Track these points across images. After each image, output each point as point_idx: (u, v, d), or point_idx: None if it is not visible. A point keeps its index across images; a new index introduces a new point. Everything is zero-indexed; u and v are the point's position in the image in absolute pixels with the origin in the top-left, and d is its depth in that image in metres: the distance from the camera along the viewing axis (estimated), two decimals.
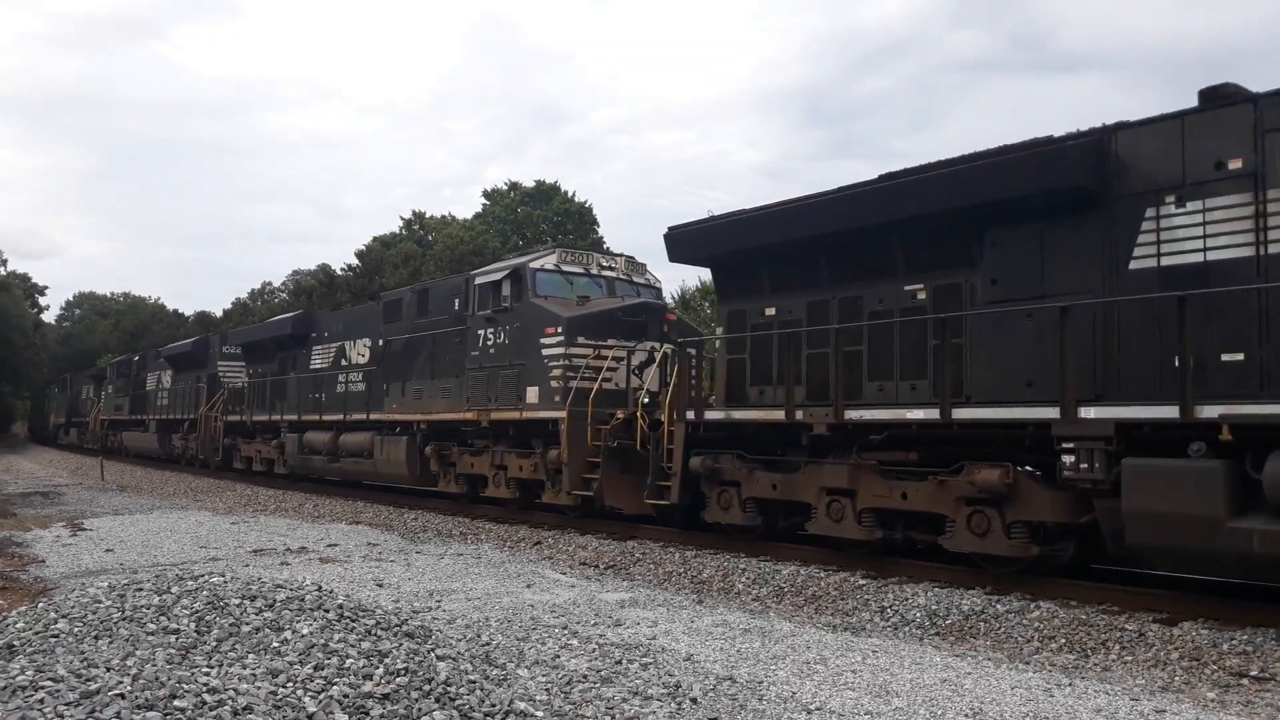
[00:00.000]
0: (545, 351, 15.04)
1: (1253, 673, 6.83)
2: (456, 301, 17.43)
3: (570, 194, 58.59)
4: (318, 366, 22.81)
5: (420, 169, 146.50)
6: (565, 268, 16.11)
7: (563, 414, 14.40)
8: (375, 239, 56.81)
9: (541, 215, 56.82)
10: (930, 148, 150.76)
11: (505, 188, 59.84)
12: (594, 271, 16.39)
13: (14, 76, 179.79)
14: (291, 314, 26.23)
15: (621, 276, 16.66)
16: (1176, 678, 6.89)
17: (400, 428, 18.79)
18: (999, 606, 8.52)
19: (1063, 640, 7.74)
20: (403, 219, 61.34)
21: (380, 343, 19.90)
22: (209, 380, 29.55)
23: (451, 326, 17.31)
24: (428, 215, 61.45)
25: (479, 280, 16.77)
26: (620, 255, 17.13)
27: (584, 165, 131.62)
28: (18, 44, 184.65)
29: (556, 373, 14.76)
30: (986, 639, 8.03)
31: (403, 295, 19.67)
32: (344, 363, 21.54)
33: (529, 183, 59.14)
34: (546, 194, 58.07)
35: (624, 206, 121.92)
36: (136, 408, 38.42)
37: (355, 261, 53.26)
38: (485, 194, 60.98)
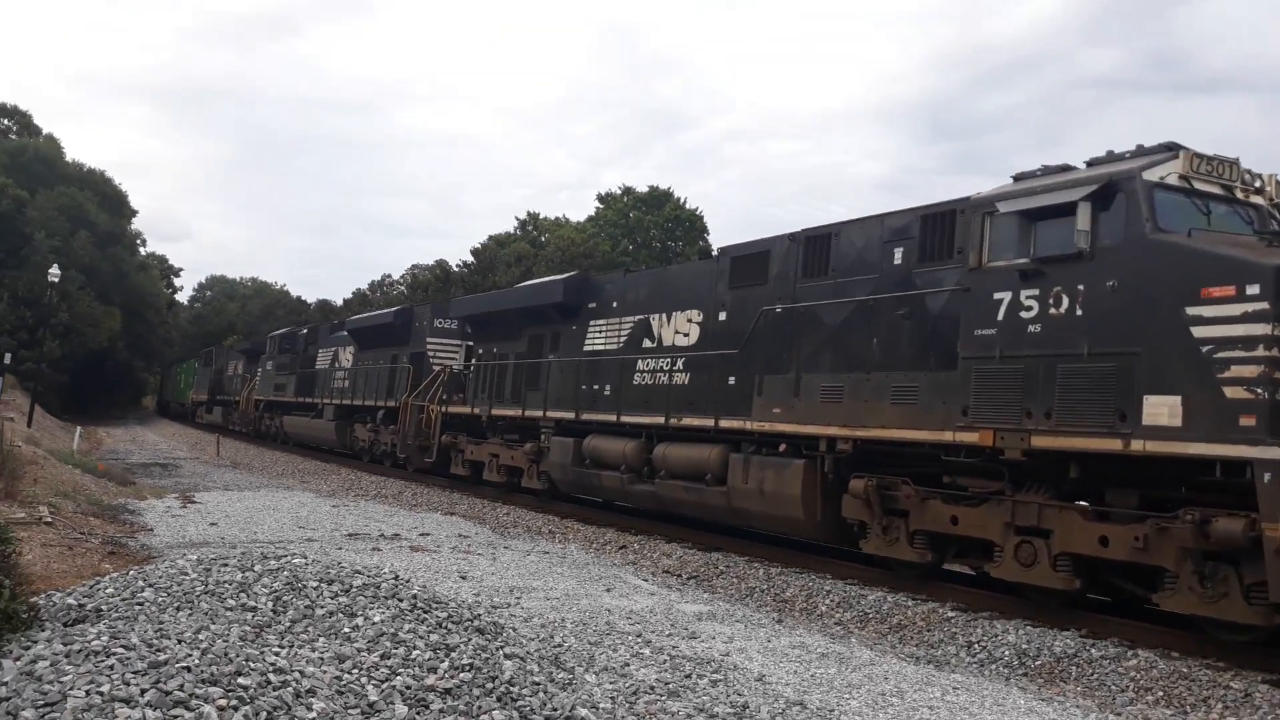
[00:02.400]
0: (1201, 330, 8.17)
1: None
2: (899, 251, 11.06)
3: (682, 200, 58.68)
4: (600, 348, 16.58)
5: (539, 170, 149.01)
6: (1198, 183, 9.32)
7: (1256, 453, 7.67)
8: (491, 237, 57.91)
9: (652, 220, 57.03)
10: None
11: (619, 192, 60.27)
12: (1239, 195, 9.57)
13: (166, 70, 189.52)
14: (562, 276, 19.92)
15: (1272, 204, 9.84)
16: None
17: (784, 445, 11.98)
18: (1093, 651, 8.10)
19: (1160, 693, 7.30)
20: (518, 219, 62.44)
21: (721, 316, 13.75)
22: (414, 359, 24.20)
23: (893, 290, 10.96)
24: (542, 216, 62.37)
25: (1002, 208, 9.73)
26: (1264, 175, 9.84)
27: (699, 172, 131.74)
28: (173, 39, 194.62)
29: (1242, 369, 7.84)
30: (1077, 684, 7.65)
31: (770, 246, 13.08)
32: (648, 343, 15.33)
33: (643, 188, 59.48)
34: (659, 200, 58.27)
35: (738, 215, 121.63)
36: (304, 388, 32.90)
37: (470, 259, 54.38)
38: (599, 197, 61.60)
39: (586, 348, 16.88)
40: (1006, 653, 8.30)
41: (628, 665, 6.96)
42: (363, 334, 28.36)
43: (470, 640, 5.95)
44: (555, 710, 5.22)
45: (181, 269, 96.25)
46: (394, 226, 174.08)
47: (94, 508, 14.08)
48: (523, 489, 18.59)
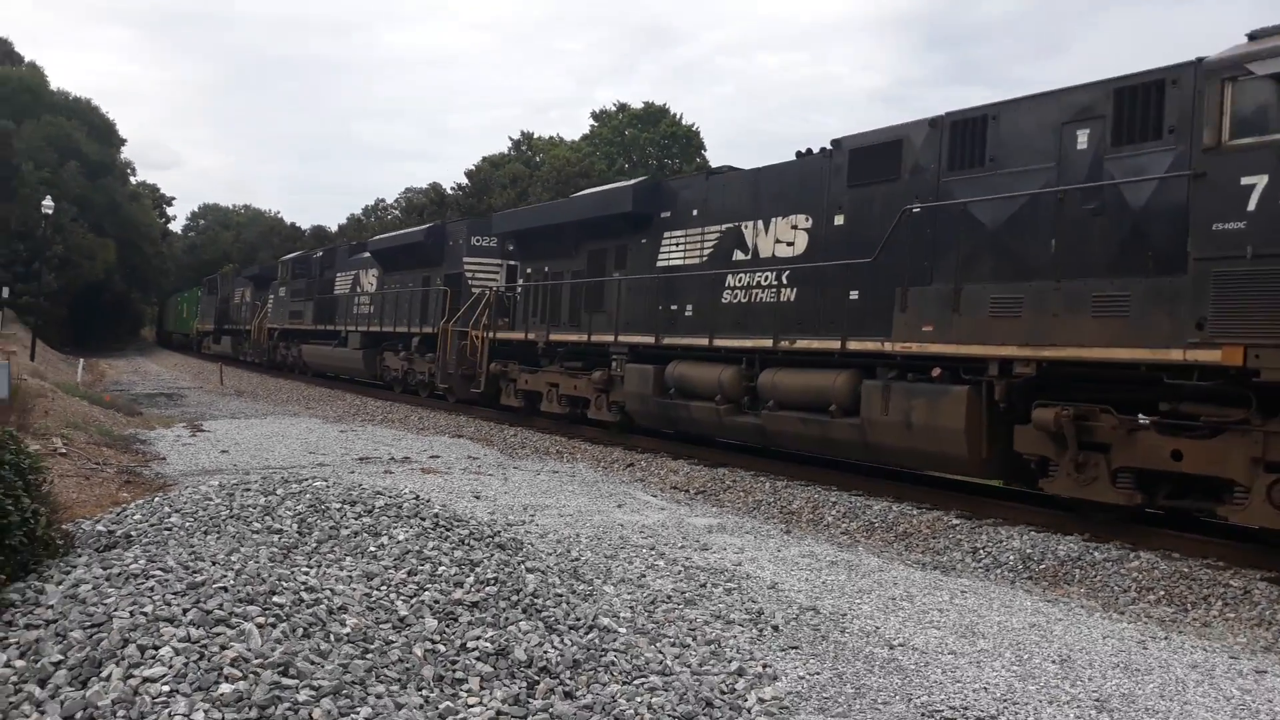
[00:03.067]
0: None
1: None
2: (1084, 135, 9.30)
3: (678, 116, 57.93)
4: (679, 262, 14.75)
5: (529, 89, 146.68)
6: None
7: None
8: (484, 159, 57.31)
9: (649, 138, 56.39)
10: (1055, 74, 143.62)
11: (614, 109, 59.46)
12: None
13: None
14: (631, 182, 17.62)
15: None
16: None
17: (938, 369, 10.22)
18: (1096, 554, 8.30)
19: (1161, 592, 7.51)
20: (511, 139, 61.74)
21: (838, 220, 11.94)
22: (449, 281, 22.07)
23: (1078, 181, 9.25)
24: (535, 136, 61.61)
25: (1259, 71, 7.75)
26: None
27: (692, 87, 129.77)
28: None
29: None
30: (1081, 586, 7.86)
31: (905, 134, 11.23)
32: (740, 255, 13.47)
33: (637, 104, 58.67)
34: (655, 116, 57.52)
35: (733, 129, 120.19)
36: (323, 315, 30.86)
37: (465, 181, 53.90)
38: (593, 115, 60.75)
39: (661, 263, 15.04)
40: (1011, 557, 8.51)
41: (644, 576, 7.15)
42: (388, 255, 26.11)
43: (493, 556, 6.10)
44: (579, 620, 5.39)
45: (174, 198, 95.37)
46: (384, 150, 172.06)
47: (105, 438, 14.22)
48: (588, 421, 16.71)
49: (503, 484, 11.74)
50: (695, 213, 14.55)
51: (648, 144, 56.15)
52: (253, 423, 18.45)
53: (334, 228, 70.31)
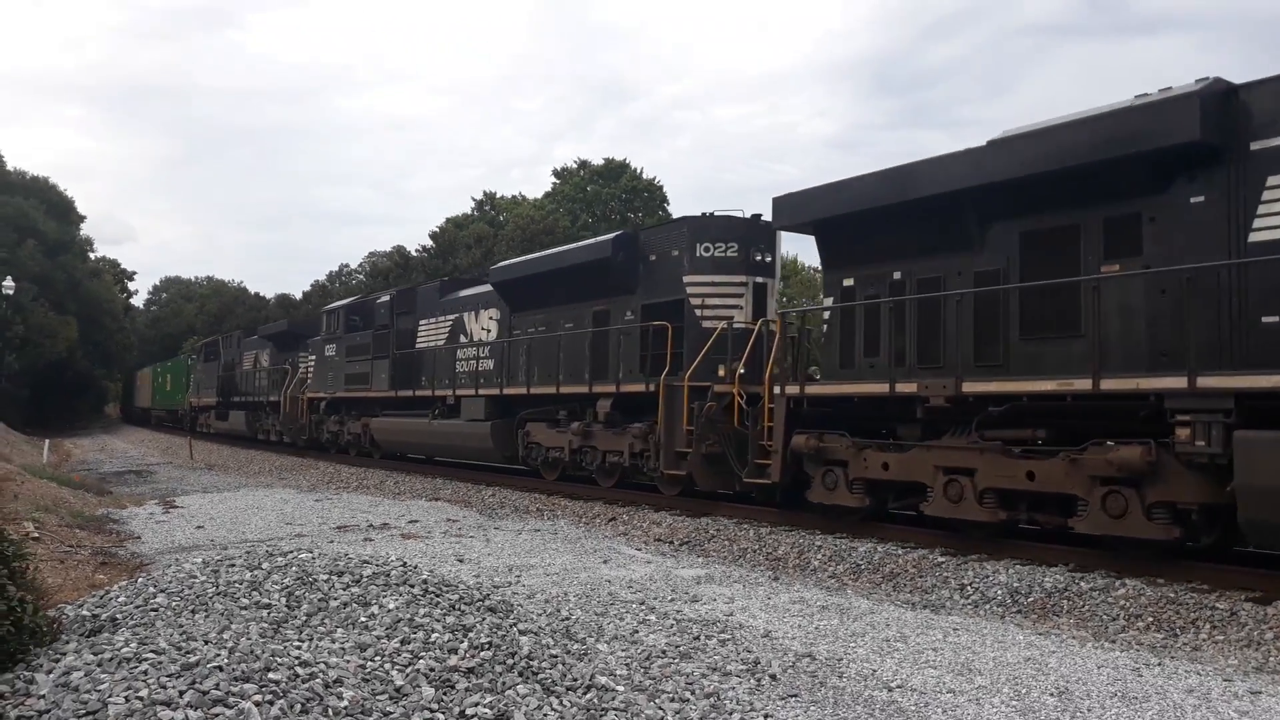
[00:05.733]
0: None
1: None
2: None
3: (639, 170, 58.58)
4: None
5: (489, 149, 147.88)
6: None
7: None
8: (448, 220, 57.54)
9: (610, 193, 56.93)
10: (1003, 115, 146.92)
11: (575, 166, 60.05)
12: None
13: (99, 69, 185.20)
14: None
15: None
16: (1271, 658, 6.69)
17: None
18: (1083, 584, 8.36)
19: (1150, 619, 7.56)
20: (474, 200, 62.08)
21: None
22: (654, 313, 15.17)
23: None
24: (498, 195, 62.00)
25: None
26: None
27: (651, 142, 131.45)
28: (104, 36, 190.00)
29: None
30: (1070, 617, 7.90)
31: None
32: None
33: (598, 160, 59.29)
34: (615, 171, 58.13)
35: (693, 182, 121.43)
36: (405, 377, 22.68)
37: (429, 243, 54.04)
38: (555, 173, 61.35)
39: None
40: (999, 592, 8.54)
41: (636, 632, 7.10)
42: (523, 286, 18.66)
43: (484, 620, 6.05)
44: (576, 680, 5.35)
45: (135, 272, 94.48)
46: (344, 215, 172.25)
47: (77, 520, 13.97)
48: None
49: (485, 545, 11.64)
50: None
51: (610, 199, 56.68)
52: (226, 496, 18.20)
53: (298, 295, 70.03)
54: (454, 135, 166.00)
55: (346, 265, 70.78)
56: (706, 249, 14.69)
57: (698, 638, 6.93)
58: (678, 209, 61.59)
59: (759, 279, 14.62)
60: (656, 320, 14.78)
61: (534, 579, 9.39)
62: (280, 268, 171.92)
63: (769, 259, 14.74)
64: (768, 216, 13.63)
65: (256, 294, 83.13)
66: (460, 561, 10.39)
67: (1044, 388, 9.12)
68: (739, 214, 14.82)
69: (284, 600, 5.96)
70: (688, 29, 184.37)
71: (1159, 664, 6.40)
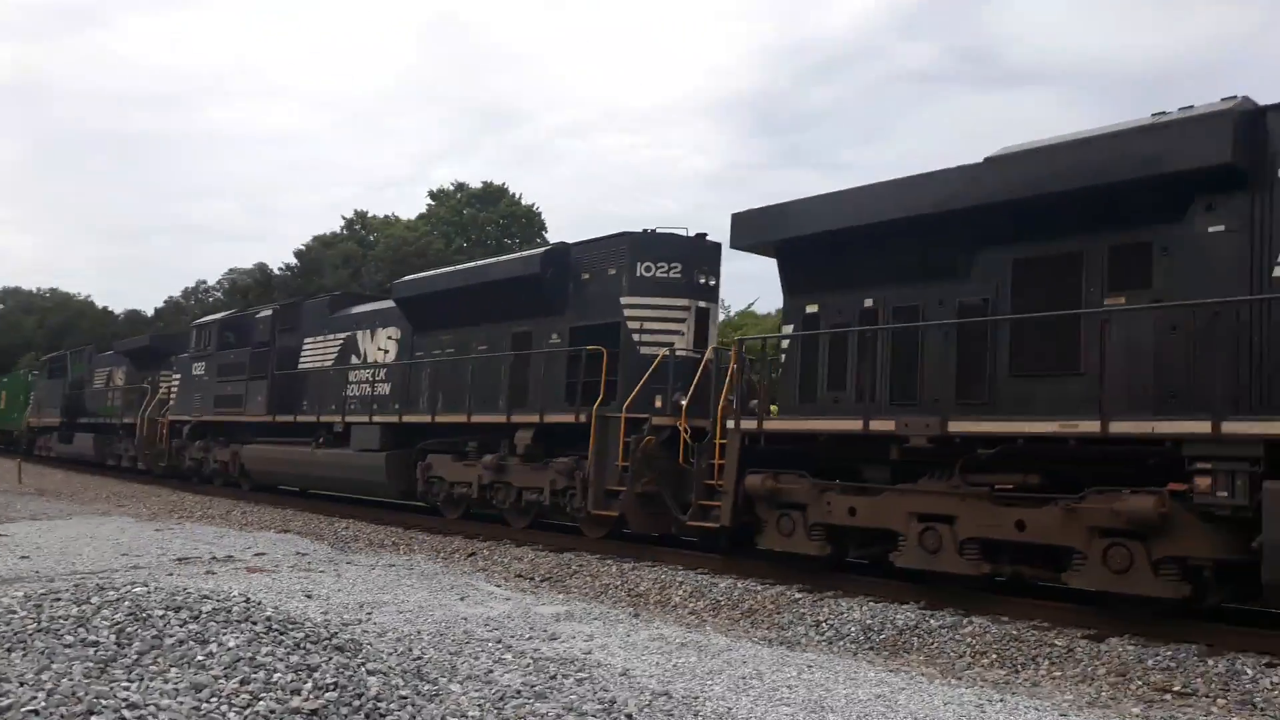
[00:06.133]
0: None
1: (1175, 688, 6.97)
2: None
3: (517, 196, 58.37)
4: None
5: (365, 168, 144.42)
6: None
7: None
8: (315, 238, 56.04)
9: (488, 217, 56.51)
10: (879, 159, 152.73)
11: (452, 188, 59.41)
12: None
13: None
14: None
15: None
16: (1103, 693, 7.01)
17: None
18: (932, 622, 8.60)
19: (994, 656, 7.84)
20: (344, 218, 60.60)
21: None
22: (586, 336, 14.04)
23: None
24: (370, 215, 60.75)
25: None
26: None
27: (532, 168, 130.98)
28: None
29: None
30: (920, 654, 8.11)
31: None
32: None
33: (476, 184, 58.82)
34: (494, 196, 57.78)
35: (573, 211, 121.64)
36: (284, 400, 20.84)
37: (294, 261, 52.51)
38: (431, 194, 60.52)
39: None
40: (853, 629, 8.71)
41: (491, 671, 6.93)
42: (431, 304, 17.13)
43: (331, 659, 5.79)
44: None
45: None
46: (206, 230, 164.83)
47: None
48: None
49: (336, 580, 11.21)
50: None
51: (487, 223, 56.24)
52: (56, 524, 17.06)
53: (150, 311, 66.87)
54: (329, 152, 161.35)
55: (204, 282, 67.94)
56: (648, 268, 13.51)
57: (554, 676, 6.81)
58: (555, 236, 61.58)
59: (702, 303, 13.61)
60: (587, 344, 13.52)
61: (386, 616, 9.08)
62: (133, 283, 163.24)
63: (713, 282, 13.78)
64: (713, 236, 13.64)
65: (105, 309, 78.99)
66: (308, 597, 9.97)
67: (1044, 429, 8.38)
68: (682, 231, 13.86)
69: (114, 638, 5.56)
70: (578, 57, 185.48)
71: (1001, 699, 6.61)
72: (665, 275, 13.40)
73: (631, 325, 13.33)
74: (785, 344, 11.42)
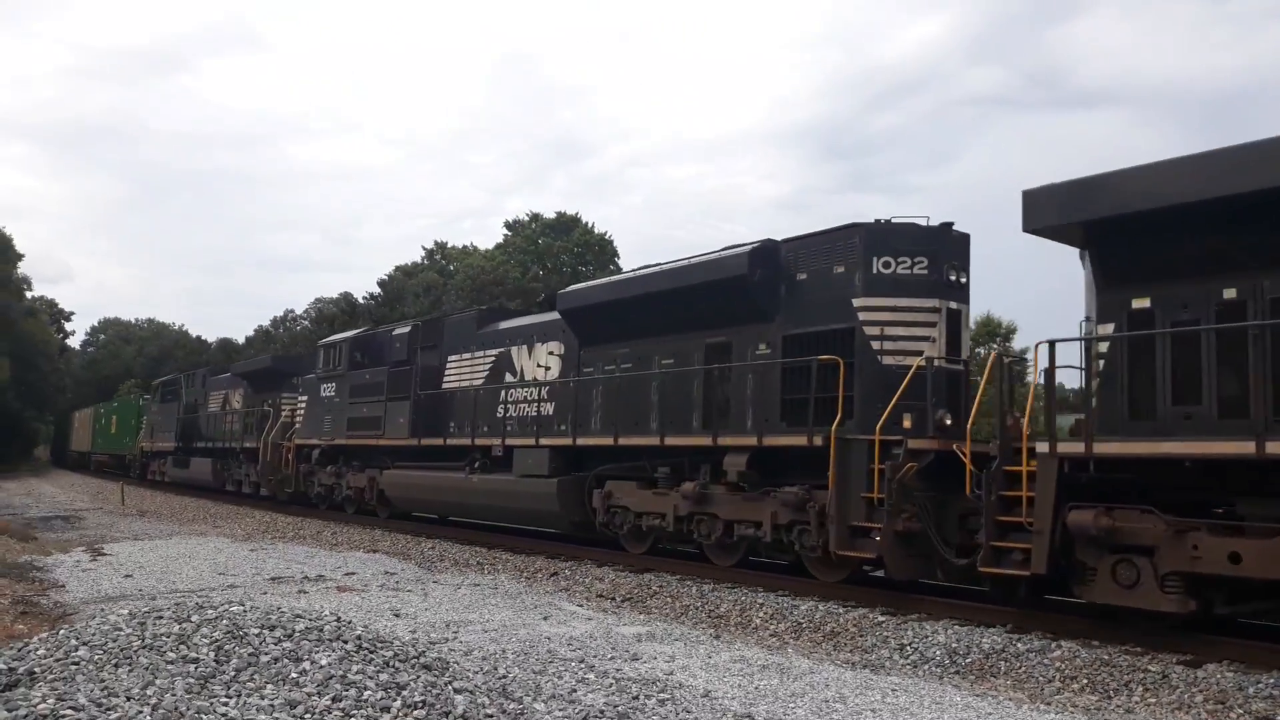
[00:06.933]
0: None
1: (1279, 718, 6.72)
2: None
3: (590, 225, 58.95)
4: None
5: (440, 200, 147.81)
6: None
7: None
8: (397, 268, 57.29)
9: (562, 246, 57.17)
10: (946, 183, 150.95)
11: (526, 219, 60.25)
12: None
13: (48, 108, 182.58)
14: None
15: None
16: None
17: None
18: (1020, 645, 8.43)
19: (1085, 680, 7.64)
20: (424, 249, 61.88)
21: None
22: (801, 345, 12.03)
23: None
24: (449, 245, 61.92)
25: None
26: None
27: (602, 198, 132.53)
28: (53, 78, 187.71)
29: None
30: (1007, 678, 7.95)
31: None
32: None
33: (550, 214, 59.58)
34: (567, 225, 58.43)
35: (642, 238, 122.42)
36: (429, 423, 19.21)
37: (377, 290, 53.72)
38: (506, 225, 61.43)
39: None
40: (938, 652, 8.57)
41: (574, 691, 7.00)
42: (607, 314, 15.03)
43: (419, 677, 5.93)
44: None
45: (73, 313, 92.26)
46: (290, 261, 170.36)
47: None
48: None
49: (423, 600, 11.43)
50: None
51: (561, 251, 56.90)
52: (157, 544, 17.71)
53: (241, 340, 69.06)
54: (406, 186, 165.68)
55: (292, 310, 69.91)
56: (886, 264, 11.31)
57: (636, 697, 6.85)
58: (628, 264, 61.99)
59: (953, 304, 11.33)
60: (808, 354, 11.50)
61: (472, 635, 9.24)
62: (222, 312, 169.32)
63: (964, 279, 11.48)
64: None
65: (198, 337, 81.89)
66: (396, 616, 10.19)
67: None
68: (923, 221, 11.56)
69: (212, 654, 5.79)
70: (644, 91, 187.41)
71: None
72: (909, 272, 11.25)
73: (869, 331, 11.19)
74: (1102, 348, 8.99)
